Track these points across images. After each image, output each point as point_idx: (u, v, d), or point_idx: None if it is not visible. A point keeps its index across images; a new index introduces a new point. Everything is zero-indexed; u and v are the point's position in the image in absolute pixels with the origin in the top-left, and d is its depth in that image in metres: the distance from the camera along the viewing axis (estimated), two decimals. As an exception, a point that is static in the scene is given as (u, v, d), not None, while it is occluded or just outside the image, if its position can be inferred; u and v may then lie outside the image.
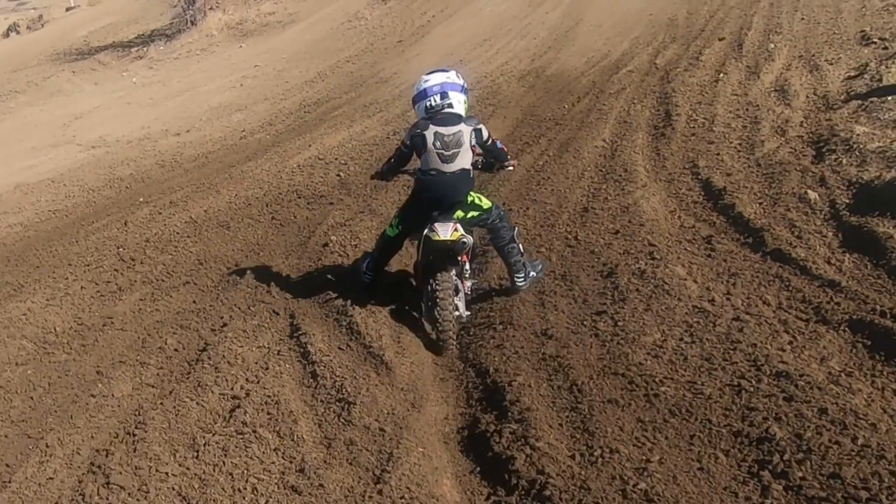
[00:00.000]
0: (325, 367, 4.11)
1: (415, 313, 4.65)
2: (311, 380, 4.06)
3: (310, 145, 9.17)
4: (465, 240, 4.08)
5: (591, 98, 9.57)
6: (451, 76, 4.25)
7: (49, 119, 14.27)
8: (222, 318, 5.01)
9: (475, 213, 4.29)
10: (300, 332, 4.54)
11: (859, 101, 6.53)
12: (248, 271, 5.62)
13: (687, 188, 6.15)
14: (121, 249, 6.58)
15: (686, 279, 4.52)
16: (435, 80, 4.22)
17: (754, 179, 5.85)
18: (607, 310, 4.33)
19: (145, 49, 19.30)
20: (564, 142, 8.11)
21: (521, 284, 4.57)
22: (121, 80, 17.52)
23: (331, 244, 5.93)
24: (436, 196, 4.18)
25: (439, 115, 4.12)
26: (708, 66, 9.55)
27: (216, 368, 4.24)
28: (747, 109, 7.58)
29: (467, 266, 4.47)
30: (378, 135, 9.23)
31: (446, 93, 4.15)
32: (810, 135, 6.34)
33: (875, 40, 8.13)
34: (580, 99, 9.55)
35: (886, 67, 6.94)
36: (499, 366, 3.97)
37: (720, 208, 5.54)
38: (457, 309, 4.21)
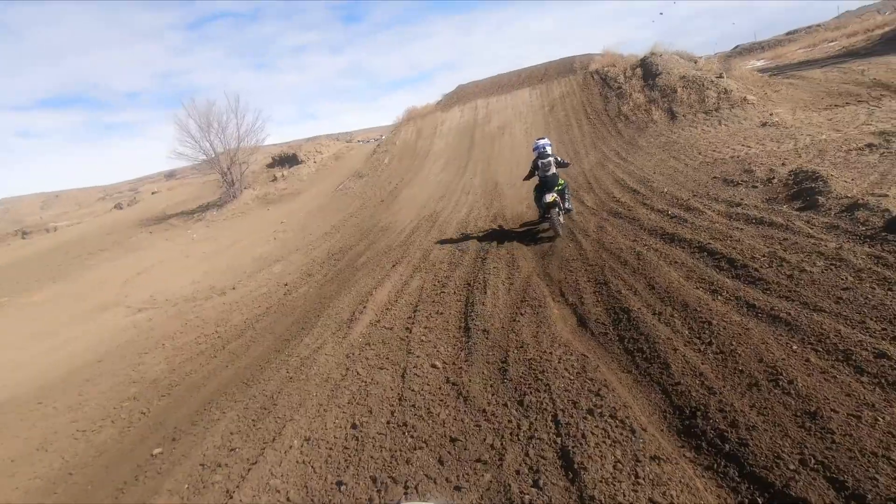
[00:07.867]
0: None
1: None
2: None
3: (362, 306, 8.53)
4: (557, 199, 9.77)
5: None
6: (545, 139, 10.15)
7: (116, 275, 16.99)
8: None
9: (560, 186, 10.01)
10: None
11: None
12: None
13: None
14: None
15: None
16: (542, 142, 10.10)
17: None
18: None
19: (203, 214, 25.81)
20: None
21: (570, 207, 10.19)
22: (185, 235, 22.02)
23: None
24: (546, 184, 9.94)
25: (541, 153, 10.06)
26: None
27: None
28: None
29: (565, 197, 10.18)
30: (421, 285, 8.85)
31: (545, 146, 10.08)
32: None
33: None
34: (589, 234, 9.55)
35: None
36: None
37: None
38: (561, 208, 10.06)
